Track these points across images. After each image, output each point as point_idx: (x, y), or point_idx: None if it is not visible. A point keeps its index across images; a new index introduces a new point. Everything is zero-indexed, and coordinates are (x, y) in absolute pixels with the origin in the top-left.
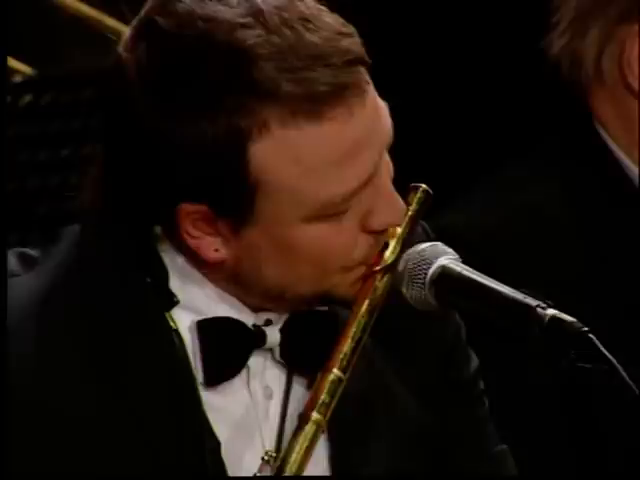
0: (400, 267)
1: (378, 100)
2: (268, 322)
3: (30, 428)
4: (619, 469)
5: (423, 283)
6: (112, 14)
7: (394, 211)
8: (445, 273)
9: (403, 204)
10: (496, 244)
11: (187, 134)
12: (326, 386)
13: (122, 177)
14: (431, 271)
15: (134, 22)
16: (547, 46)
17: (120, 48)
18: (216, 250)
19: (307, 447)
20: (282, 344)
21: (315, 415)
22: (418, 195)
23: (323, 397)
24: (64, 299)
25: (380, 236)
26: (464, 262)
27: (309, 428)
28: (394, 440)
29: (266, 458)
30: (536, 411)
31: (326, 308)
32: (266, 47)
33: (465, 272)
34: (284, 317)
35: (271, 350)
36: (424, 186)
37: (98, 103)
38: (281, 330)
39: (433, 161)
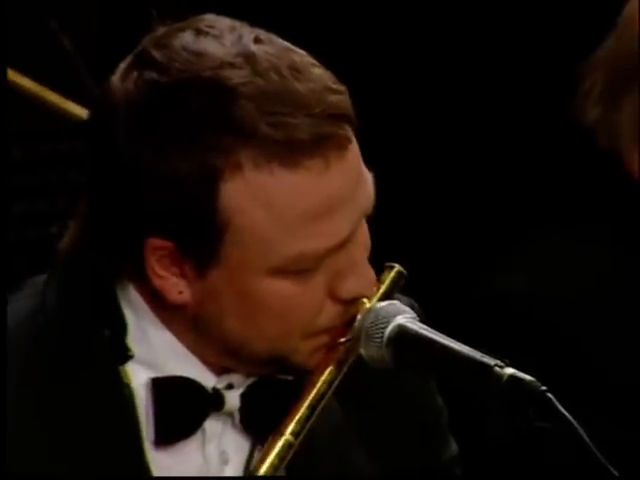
0: (357, 326)
1: (362, 165)
2: (230, 386)
3: None
4: None
5: (380, 342)
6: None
7: (364, 282)
8: (402, 332)
9: (374, 276)
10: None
11: (162, 165)
12: (276, 448)
13: (99, 203)
14: (388, 330)
15: (131, 54)
16: (579, 112)
17: (114, 77)
18: (180, 292)
19: None
20: (242, 409)
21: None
22: (392, 274)
23: (272, 459)
24: (14, 346)
25: (349, 307)
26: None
27: None
28: None
29: None
30: (494, 468)
31: (290, 377)
32: (250, 88)
33: (422, 331)
34: (247, 382)
35: (231, 415)
36: (398, 266)
37: (84, 131)
38: (242, 395)
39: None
